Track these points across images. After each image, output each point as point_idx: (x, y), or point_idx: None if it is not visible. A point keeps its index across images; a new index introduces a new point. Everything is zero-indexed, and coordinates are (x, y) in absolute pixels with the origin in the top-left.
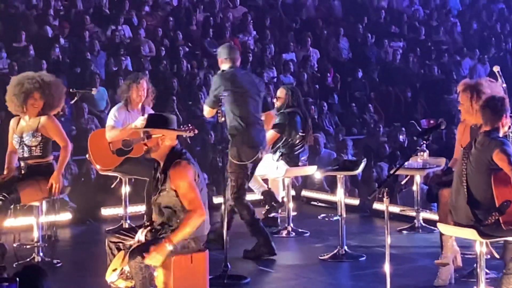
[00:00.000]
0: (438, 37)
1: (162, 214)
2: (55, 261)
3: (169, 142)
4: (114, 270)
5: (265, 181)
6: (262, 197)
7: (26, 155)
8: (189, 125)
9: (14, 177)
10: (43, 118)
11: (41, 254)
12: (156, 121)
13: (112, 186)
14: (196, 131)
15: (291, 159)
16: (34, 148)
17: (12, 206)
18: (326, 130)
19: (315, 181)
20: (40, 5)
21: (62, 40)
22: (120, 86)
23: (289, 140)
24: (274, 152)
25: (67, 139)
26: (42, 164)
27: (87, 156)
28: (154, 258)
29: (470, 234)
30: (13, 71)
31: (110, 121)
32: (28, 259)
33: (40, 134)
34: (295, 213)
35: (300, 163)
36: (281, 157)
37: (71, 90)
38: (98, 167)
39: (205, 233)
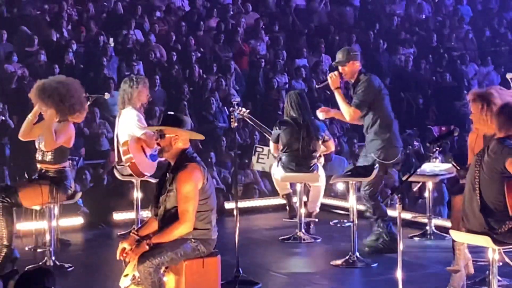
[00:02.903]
0: (450, 43)
1: (163, 219)
2: (67, 265)
3: (182, 144)
4: (126, 275)
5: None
6: (285, 201)
7: (39, 158)
8: None
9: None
10: (61, 124)
11: (53, 258)
12: (171, 121)
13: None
14: None
15: (286, 166)
16: (46, 152)
17: (14, 209)
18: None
19: (338, 191)
20: (53, 10)
21: (74, 45)
22: (130, 91)
23: (288, 148)
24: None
25: (59, 140)
26: (51, 170)
27: (128, 164)
28: (131, 258)
29: (483, 241)
30: (25, 75)
31: (139, 130)
32: (40, 263)
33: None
34: (316, 220)
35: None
36: (280, 163)
37: (84, 95)
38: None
39: (213, 237)
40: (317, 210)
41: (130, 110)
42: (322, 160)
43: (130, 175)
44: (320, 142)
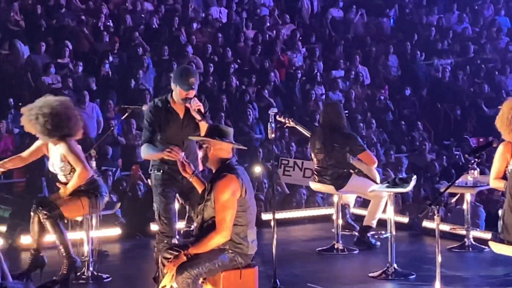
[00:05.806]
0: (487, 54)
1: (201, 229)
2: (105, 275)
3: (222, 154)
4: (164, 286)
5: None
6: None
7: (64, 180)
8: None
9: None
10: (60, 147)
11: (91, 268)
12: (209, 131)
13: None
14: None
15: (318, 177)
16: (68, 175)
17: (57, 220)
18: (372, 148)
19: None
20: (90, 21)
21: (111, 57)
22: None
23: (313, 159)
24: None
25: (85, 165)
26: (82, 185)
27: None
28: (169, 268)
29: None
30: (64, 86)
31: None
32: (78, 273)
33: (66, 162)
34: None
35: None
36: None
37: (121, 106)
38: None
39: (249, 252)
40: (374, 224)
41: None
42: (370, 171)
43: None
44: (346, 153)
